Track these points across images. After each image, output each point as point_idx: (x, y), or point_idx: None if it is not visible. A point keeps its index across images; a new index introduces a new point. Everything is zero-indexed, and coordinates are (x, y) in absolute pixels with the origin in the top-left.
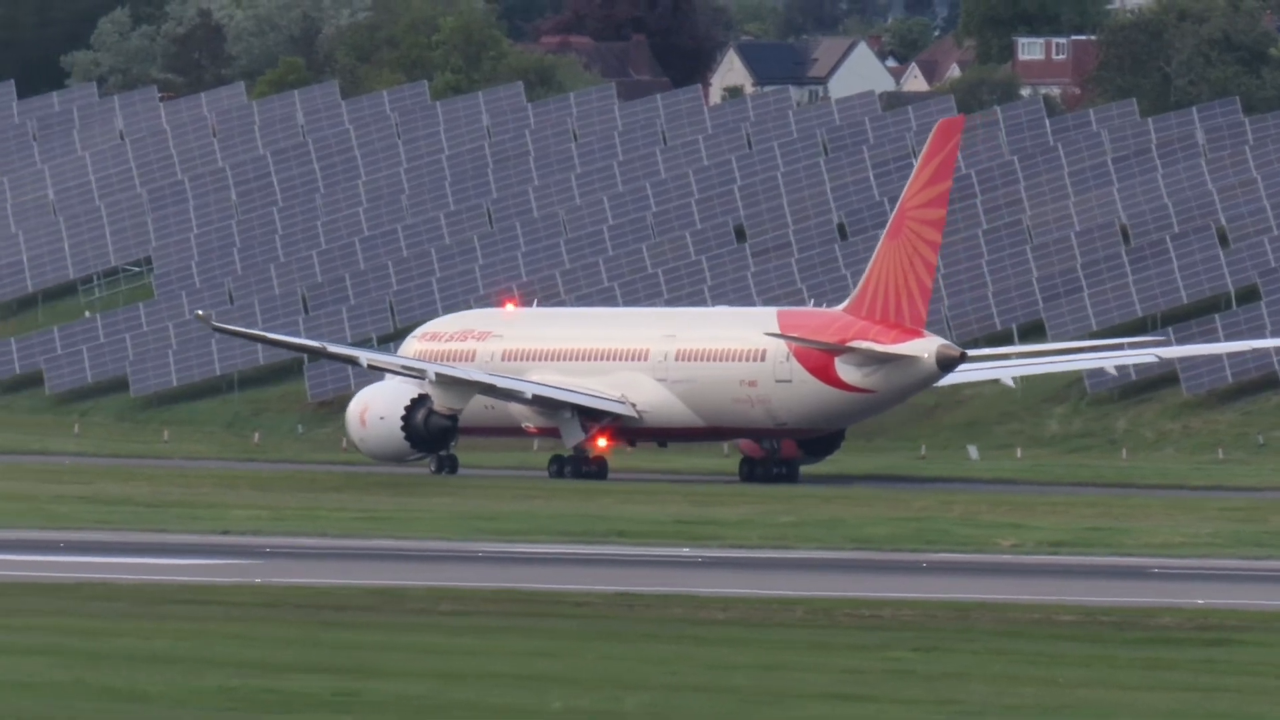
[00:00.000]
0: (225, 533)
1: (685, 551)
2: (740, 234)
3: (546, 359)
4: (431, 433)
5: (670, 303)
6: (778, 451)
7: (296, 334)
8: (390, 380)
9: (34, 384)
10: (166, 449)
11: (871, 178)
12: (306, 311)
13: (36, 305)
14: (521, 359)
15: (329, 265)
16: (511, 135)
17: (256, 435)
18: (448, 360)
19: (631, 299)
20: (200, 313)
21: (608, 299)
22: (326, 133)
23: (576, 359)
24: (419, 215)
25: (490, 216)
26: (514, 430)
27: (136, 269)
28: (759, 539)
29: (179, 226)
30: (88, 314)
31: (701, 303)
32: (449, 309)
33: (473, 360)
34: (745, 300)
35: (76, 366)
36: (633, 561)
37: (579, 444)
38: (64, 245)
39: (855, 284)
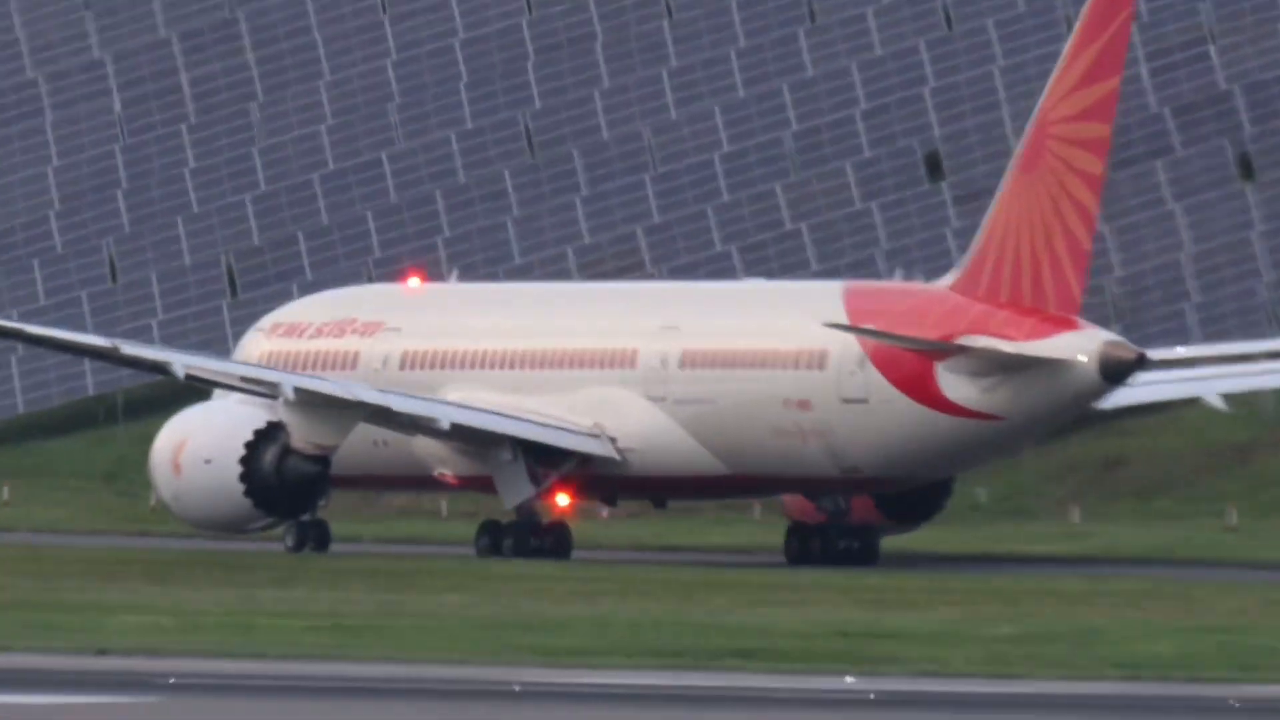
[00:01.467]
0: (102, 652)
1: (848, 682)
2: (934, 166)
3: (473, 365)
4: (288, 484)
5: (824, 275)
6: (845, 514)
7: (220, 327)
8: (222, 400)
9: None
10: (8, 516)
11: (1145, 74)
12: (234, 294)
13: None
14: (434, 365)
15: (271, 219)
16: (566, 6)
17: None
18: (314, 368)
19: (761, 268)
20: None
21: (721, 270)
22: (268, 3)
23: (522, 366)
24: (417, 137)
25: (530, 139)
26: (419, 480)
27: None
28: (966, 662)
29: (31, 157)
30: None
31: (871, 274)
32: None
33: (355, 367)
34: (942, 269)
35: None
36: (766, 699)
37: (525, 502)
38: None
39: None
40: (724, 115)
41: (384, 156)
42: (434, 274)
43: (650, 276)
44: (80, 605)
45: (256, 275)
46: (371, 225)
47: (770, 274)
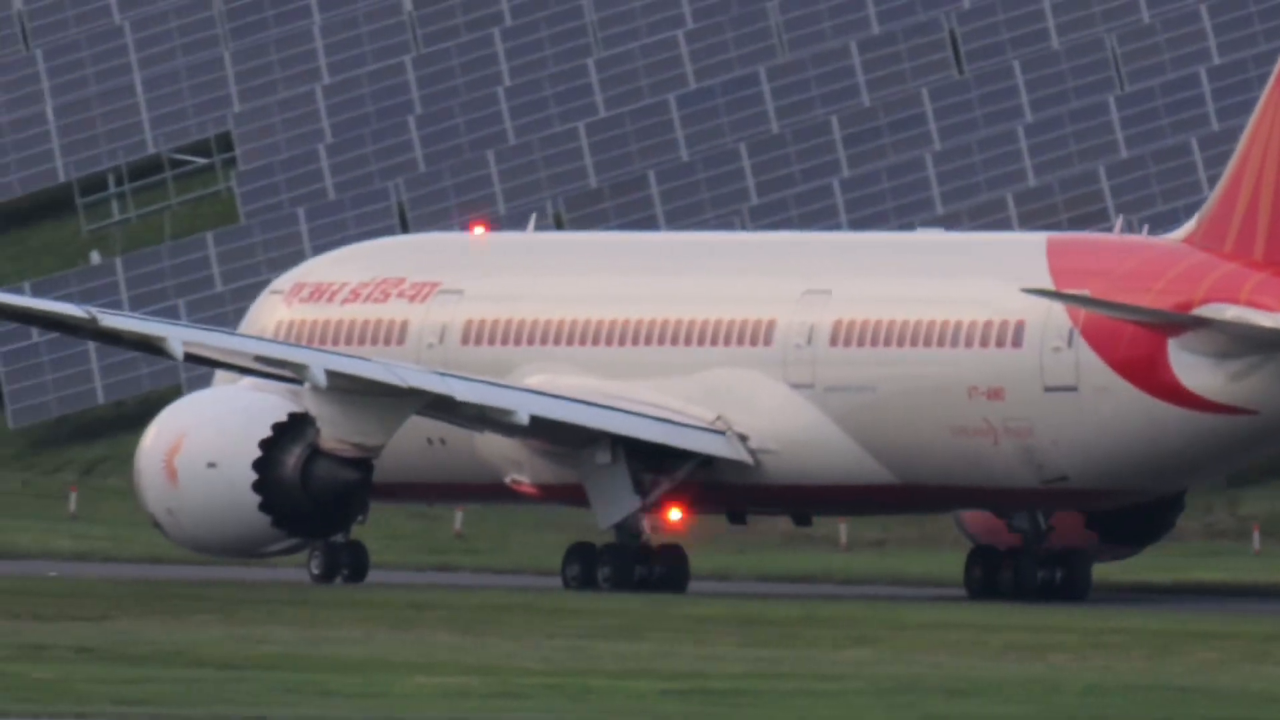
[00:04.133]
0: None
1: None
2: None
3: (559, 340)
4: (317, 495)
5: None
6: (1046, 536)
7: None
8: (228, 386)
9: None
10: None
11: None
12: (406, 224)
13: None
14: (507, 339)
15: (613, 153)
16: None
17: None
18: (348, 342)
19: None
20: None
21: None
22: None
23: (622, 341)
24: (804, 46)
25: (956, 47)
26: (485, 490)
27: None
28: None
29: (294, 73)
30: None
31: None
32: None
33: (402, 342)
34: None
35: None
36: None
37: (628, 520)
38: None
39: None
40: (1213, 17)
41: (761, 71)
42: (829, 228)
43: (1108, 228)
44: (361, 662)
45: (593, 226)
46: (745, 161)
47: None
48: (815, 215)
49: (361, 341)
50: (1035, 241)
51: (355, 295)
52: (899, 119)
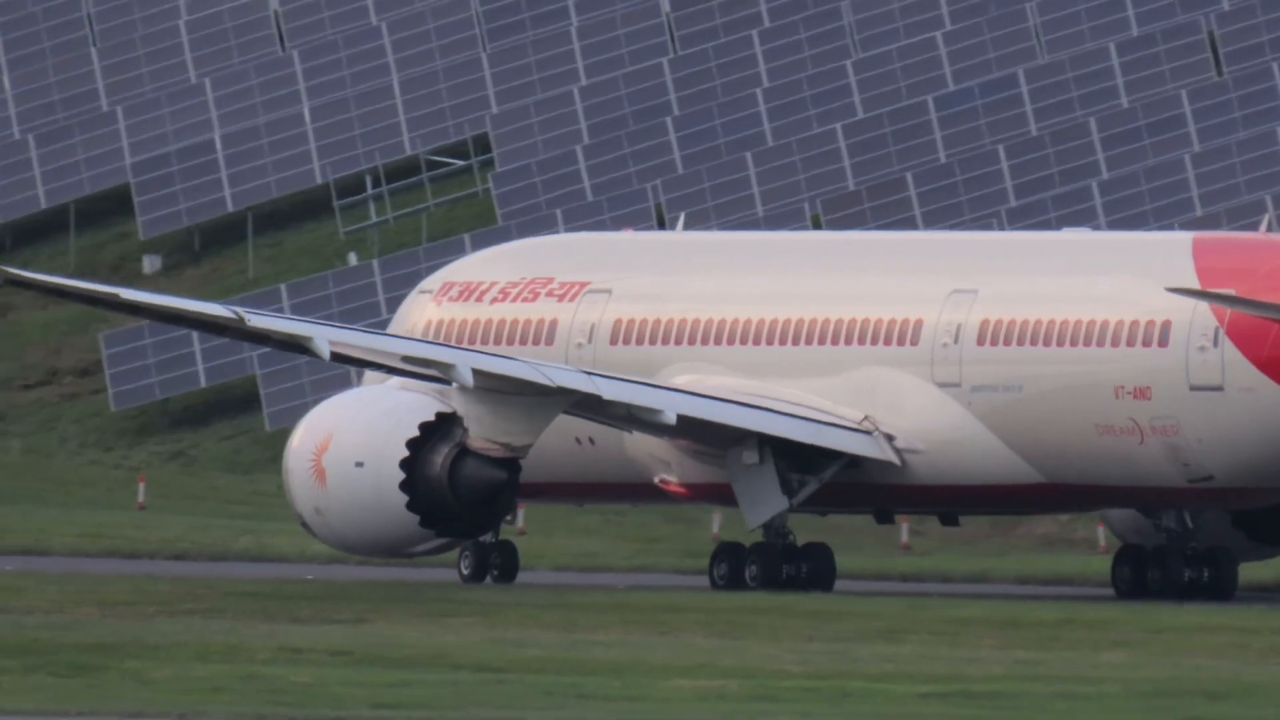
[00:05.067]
0: None
1: None
2: None
3: (707, 340)
4: (465, 495)
5: None
6: (1193, 535)
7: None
8: (376, 387)
9: None
10: (524, 548)
11: None
12: (664, 226)
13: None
14: (655, 339)
15: (870, 154)
16: None
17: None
18: (497, 341)
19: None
20: None
21: None
22: None
23: (769, 341)
24: (1065, 47)
25: (1215, 49)
26: (633, 489)
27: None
28: None
29: (553, 74)
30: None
31: None
32: None
33: (551, 341)
34: None
35: None
36: None
37: (775, 519)
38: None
39: None
40: None
41: (1019, 73)
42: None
43: None
44: (618, 665)
45: (851, 228)
46: (1003, 163)
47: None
48: (1074, 217)
49: (510, 341)
50: (1181, 240)
51: (504, 295)
52: (1158, 120)
